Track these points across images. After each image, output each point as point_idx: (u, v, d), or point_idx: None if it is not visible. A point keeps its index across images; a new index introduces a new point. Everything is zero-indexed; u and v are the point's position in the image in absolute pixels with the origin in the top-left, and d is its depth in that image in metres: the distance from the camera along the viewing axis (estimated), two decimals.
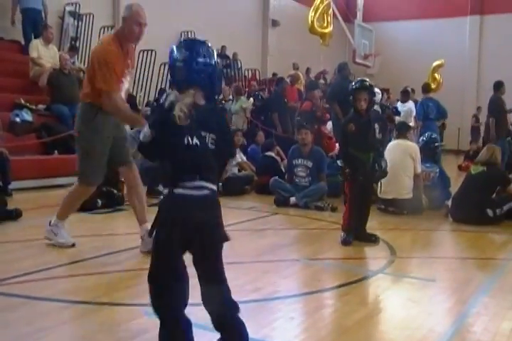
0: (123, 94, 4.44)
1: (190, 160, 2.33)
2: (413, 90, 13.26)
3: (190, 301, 3.27)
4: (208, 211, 2.37)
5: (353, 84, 5.04)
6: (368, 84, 4.98)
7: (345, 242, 4.95)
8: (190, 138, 2.32)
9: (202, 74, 2.40)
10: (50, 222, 4.53)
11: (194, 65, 2.39)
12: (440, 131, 11.70)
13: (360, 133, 4.89)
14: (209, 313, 2.43)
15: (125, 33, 4.32)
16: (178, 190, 2.31)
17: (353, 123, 4.90)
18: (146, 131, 2.37)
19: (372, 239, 5.03)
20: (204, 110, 2.39)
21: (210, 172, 2.38)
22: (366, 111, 4.95)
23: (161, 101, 2.39)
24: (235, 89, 11.98)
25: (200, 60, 2.40)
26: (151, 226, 2.41)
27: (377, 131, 4.98)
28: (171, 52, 2.46)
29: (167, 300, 2.42)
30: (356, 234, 5.02)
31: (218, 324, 2.45)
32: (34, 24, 10.40)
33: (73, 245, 4.51)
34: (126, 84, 4.43)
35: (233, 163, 8.40)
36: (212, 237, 2.40)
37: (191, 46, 2.46)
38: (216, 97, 2.89)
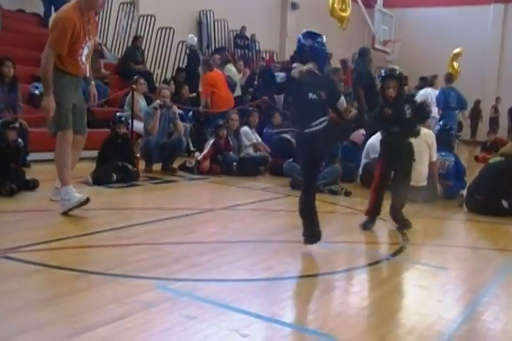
0: (83, 58, 4.74)
1: (312, 109, 3.98)
2: (435, 76, 13.07)
3: (200, 277, 3.33)
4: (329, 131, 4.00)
5: (383, 71, 5.10)
6: (397, 72, 4.98)
7: (364, 226, 4.96)
8: (312, 94, 3.96)
9: (317, 55, 4.05)
10: (61, 199, 4.68)
11: (314, 48, 4.02)
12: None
13: (393, 119, 4.94)
14: None
15: (88, 2, 4.59)
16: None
17: (387, 108, 4.94)
18: (282, 75, 4.05)
19: (407, 224, 5.04)
20: (318, 76, 4.05)
21: (324, 114, 4.04)
22: (395, 98, 4.96)
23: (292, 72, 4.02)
24: (222, 57, 11.87)
25: (317, 46, 4.03)
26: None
27: (408, 112, 4.97)
28: (299, 40, 4.08)
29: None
30: (393, 215, 5.08)
31: None
32: None
33: (88, 199, 4.64)
34: (85, 50, 4.73)
35: (248, 143, 8.40)
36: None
37: (313, 36, 4.07)
38: (324, 69, 4.35)
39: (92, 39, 4.78)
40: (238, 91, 12.05)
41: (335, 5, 12.08)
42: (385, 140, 5.09)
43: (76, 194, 4.67)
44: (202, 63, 10.96)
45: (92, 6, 4.68)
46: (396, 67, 5.12)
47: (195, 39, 12.51)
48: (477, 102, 18.09)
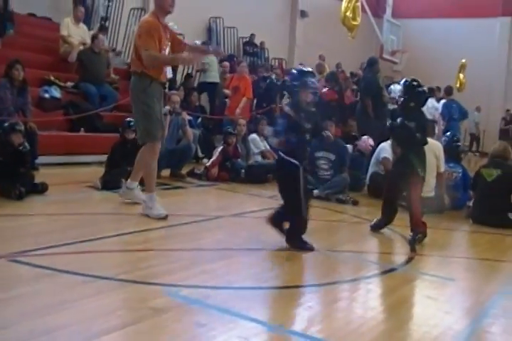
0: None
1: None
2: (438, 88, 13.21)
3: (211, 284, 3.34)
4: None
5: (400, 83, 5.34)
6: (414, 84, 5.09)
7: (373, 227, 5.16)
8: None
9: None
10: (144, 201, 4.97)
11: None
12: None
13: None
14: None
15: (159, 5, 4.92)
16: None
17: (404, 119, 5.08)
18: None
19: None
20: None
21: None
22: (414, 109, 5.09)
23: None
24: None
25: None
26: None
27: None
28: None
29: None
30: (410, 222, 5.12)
31: None
32: None
33: (166, 216, 4.83)
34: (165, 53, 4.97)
35: (256, 151, 8.41)
36: None
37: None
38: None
39: (168, 45, 4.99)
40: None
41: (347, 13, 12.13)
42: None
43: (158, 205, 4.91)
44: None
45: (164, 9, 4.96)
46: (415, 79, 5.23)
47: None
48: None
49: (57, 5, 11.11)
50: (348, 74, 15.57)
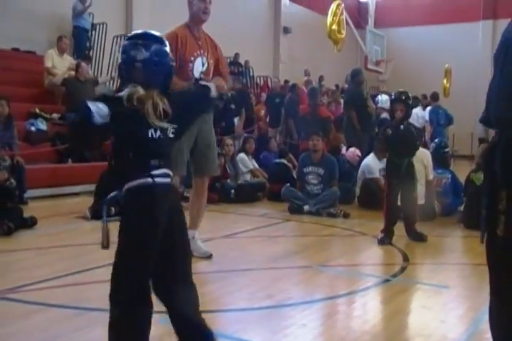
0: (196, 74, 4.42)
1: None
2: (424, 96, 13.34)
3: (204, 309, 3.30)
4: None
5: (393, 95, 5.55)
6: (403, 96, 5.34)
7: (381, 242, 5.23)
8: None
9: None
10: None
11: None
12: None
13: (396, 140, 5.32)
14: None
15: (192, 13, 4.48)
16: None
17: (391, 130, 5.36)
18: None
19: (422, 238, 5.37)
20: None
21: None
22: (401, 120, 5.34)
23: None
24: None
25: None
26: None
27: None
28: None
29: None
30: (407, 231, 5.44)
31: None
32: None
33: (211, 255, 4.54)
34: (196, 65, 4.43)
35: (245, 170, 8.43)
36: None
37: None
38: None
39: (207, 56, 4.51)
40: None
41: (333, 27, 12.23)
42: (388, 159, 5.49)
43: (200, 243, 4.60)
44: None
45: (196, 17, 4.49)
46: (404, 91, 5.44)
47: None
48: None
49: (40, 38, 11.19)
50: (334, 87, 15.72)
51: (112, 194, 2.40)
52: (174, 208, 2.39)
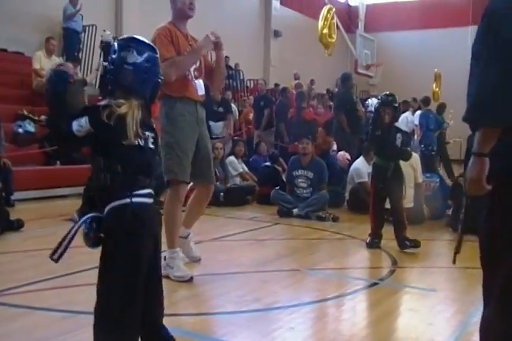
0: (193, 73, 4.27)
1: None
2: (415, 99, 13.42)
3: (189, 312, 3.30)
4: None
5: (380, 98, 5.48)
6: (390, 99, 5.30)
7: (369, 245, 5.23)
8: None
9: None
10: (164, 257, 3.96)
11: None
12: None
13: (384, 143, 5.28)
14: None
15: (175, 9, 4.23)
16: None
17: (379, 132, 5.32)
18: None
19: (412, 245, 5.18)
20: None
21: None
22: (389, 123, 5.29)
23: None
24: None
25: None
26: None
27: (398, 140, 5.30)
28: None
29: None
30: (397, 237, 5.25)
31: None
32: None
33: (191, 278, 4.02)
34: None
35: (234, 173, 8.41)
36: None
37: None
38: None
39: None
40: None
41: (324, 31, 12.28)
42: (375, 163, 5.46)
43: (182, 265, 4.11)
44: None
45: (181, 14, 4.24)
46: (391, 94, 5.39)
47: (110, 36, 11.44)
48: None
49: (29, 39, 11.13)
50: (324, 91, 15.76)
51: (91, 214, 2.24)
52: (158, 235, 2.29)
